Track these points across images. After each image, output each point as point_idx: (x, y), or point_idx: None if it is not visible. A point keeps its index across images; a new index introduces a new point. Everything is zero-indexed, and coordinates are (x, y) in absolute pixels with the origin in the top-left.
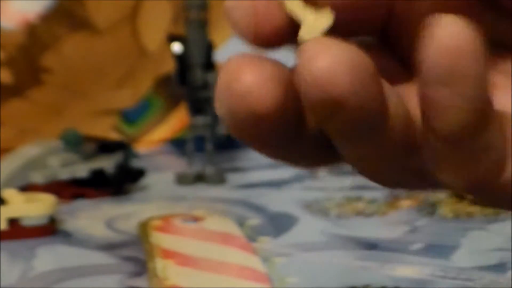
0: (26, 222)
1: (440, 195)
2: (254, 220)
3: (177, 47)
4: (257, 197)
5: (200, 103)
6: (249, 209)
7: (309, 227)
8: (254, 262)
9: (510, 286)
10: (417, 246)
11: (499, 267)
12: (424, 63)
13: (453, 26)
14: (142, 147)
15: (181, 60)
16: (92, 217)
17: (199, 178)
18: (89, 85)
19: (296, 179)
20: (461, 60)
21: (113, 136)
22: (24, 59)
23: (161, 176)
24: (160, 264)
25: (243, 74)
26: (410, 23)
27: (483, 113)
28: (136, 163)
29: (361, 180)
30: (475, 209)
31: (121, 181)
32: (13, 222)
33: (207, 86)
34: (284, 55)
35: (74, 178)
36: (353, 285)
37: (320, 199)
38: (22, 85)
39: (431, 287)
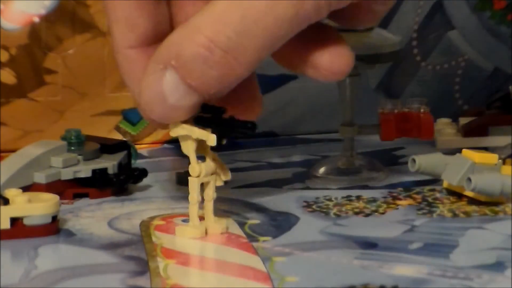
0: (29, 222)
1: (439, 195)
2: (254, 220)
3: None
4: (257, 197)
5: None
6: (249, 209)
7: (309, 227)
8: (255, 261)
9: (509, 286)
10: (416, 245)
11: (497, 266)
12: None
13: None
14: (144, 147)
15: None
16: (95, 217)
17: None
18: (92, 86)
19: (296, 179)
20: None
21: (116, 136)
22: (27, 60)
23: (163, 176)
24: (162, 264)
25: None
26: None
27: None
28: (138, 163)
29: (360, 180)
30: (473, 208)
31: (123, 181)
32: (16, 221)
33: None
34: None
35: (77, 178)
36: (352, 284)
37: (320, 199)
38: (25, 86)
39: (430, 286)
